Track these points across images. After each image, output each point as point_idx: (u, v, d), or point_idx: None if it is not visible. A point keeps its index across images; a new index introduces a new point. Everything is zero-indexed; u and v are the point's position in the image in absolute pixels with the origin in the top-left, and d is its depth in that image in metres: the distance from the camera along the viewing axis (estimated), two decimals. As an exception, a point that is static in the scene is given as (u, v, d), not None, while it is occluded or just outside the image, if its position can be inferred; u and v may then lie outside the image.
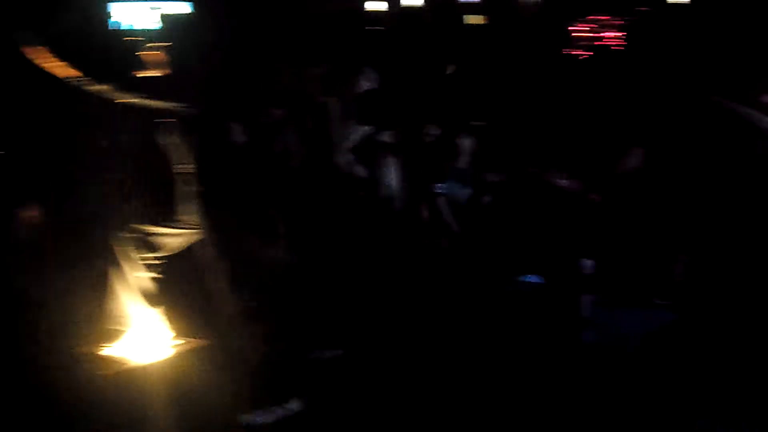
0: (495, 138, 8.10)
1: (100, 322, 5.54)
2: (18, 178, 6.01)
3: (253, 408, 5.64)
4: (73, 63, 5.37)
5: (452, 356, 6.22)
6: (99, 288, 5.59)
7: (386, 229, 7.26)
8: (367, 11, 11.43)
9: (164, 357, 5.32)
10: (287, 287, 6.33)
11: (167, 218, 5.63)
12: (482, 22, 11.33)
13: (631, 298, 5.98)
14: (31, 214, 5.63)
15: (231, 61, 7.83)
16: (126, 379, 5.09)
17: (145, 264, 5.51)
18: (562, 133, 7.45)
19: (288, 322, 6.08)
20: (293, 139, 7.10)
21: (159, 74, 5.70)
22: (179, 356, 5.33)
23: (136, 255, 5.49)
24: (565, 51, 11.17)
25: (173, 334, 5.52)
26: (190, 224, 5.68)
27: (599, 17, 11.31)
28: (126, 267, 5.48)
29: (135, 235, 5.51)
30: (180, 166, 5.67)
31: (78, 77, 5.40)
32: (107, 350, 5.39)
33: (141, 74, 5.69)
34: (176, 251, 5.67)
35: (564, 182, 7.01)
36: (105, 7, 9.70)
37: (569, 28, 11.35)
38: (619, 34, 10.99)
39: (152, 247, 5.55)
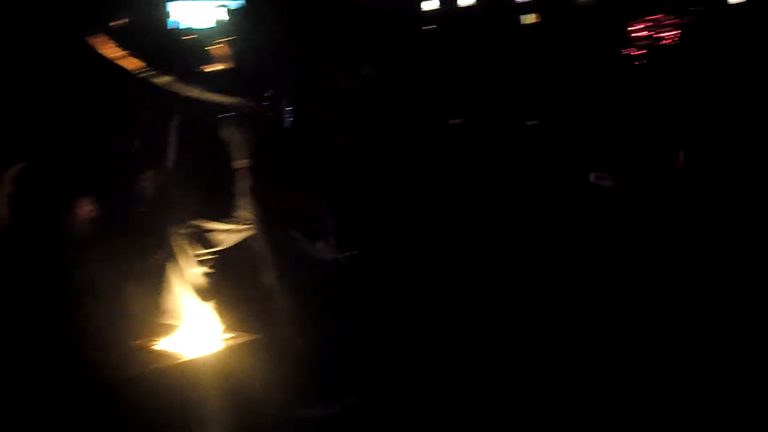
0: (549, 137, 8.07)
1: (154, 316, 5.62)
2: (74, 172, 6.08)
3: (306, 403, 5.66)
4: (139, 56, 5.46)
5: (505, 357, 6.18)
6: (153, 282, 5.66)
7: (438, 225, 7.24)
8: (423, 11, 11.42)
9: (216, 351, 5.38)
10: (340, 282, 6.34)
11: (224, 213, 5.67)
12: (537, 21, 11.28)
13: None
14: (88, 208, 5.69)
15: (286, 59, 7.86)
16: (179, 372, 5.15)
17: (199, 259, 5.57)
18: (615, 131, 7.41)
19: (342, 318, 6.09)
20: (344, 135, 7.10)
21: (221, 68, 5.75)
22: (232, 350, 5.39)
23: (191, 250, 5.55)
24: (622, 50, 11.08)
25: (226, 328, 5.58)
26: (245, 219, 5.72)
27: (655, 16, 11.19)
28: (182, 261, 5.55)
29: (191, 230, 5.57)
30: (237, 161, 5.71)
31: (144, 69, 5.47)
32: (161, 344, 5.48)
33: (205, 68, 5.75)
34: (231, 246, 5.72)
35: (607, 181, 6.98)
36: (164, 7, 9.82)
37: (625, 27, 11.26)
38: (675, 33, 10.87)
39: (207, 243, 5.61)
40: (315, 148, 6.79)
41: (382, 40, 9.16)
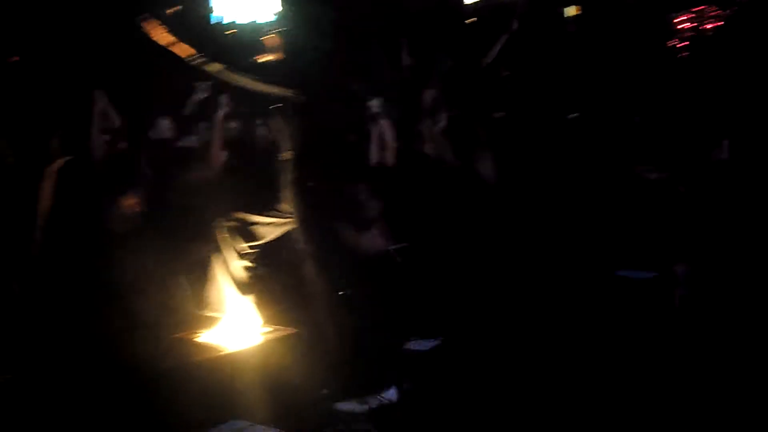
0: (591, 131, 8.01)
1: (196, 309, 5.65)
2: (118, 166, 6.13)
3: (348, 397, 5.66)
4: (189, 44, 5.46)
5: (549, 350, 6.13)
6: (196, 275, 5.69)
7: (484, 217, 7.18)
8: (466, 4, 11.37)
9: (257, 344, 5.39)
10: (383, 276, 6.31)
11: (268, 207, 5.68)
12: (579, 12, 11.19)
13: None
14: (131, 202, 5.73)
15: (330, 53, 7.86)
16: (220, 365, 5.17)
17: (243, 252, 5.59)
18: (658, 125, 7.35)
19: (384, 312, 6.07)
20: (388, 128, 7.07)
21: (271, 59, 5.75)
22: (272, 343, 5.40)
23: (235, 243, 5.56)
24: (666, 42, 11.00)
25: (267, 321, 5.60)
26: (288, 213, 5.72)
27: (698, 8, 11.10)
28: (225, 254, 5.57)
29: (235, 223, 5.59)
30: (283, 153, 5.71)
31: (195, 56, 5.48)
32: (202, 336, 5.51)
33: (256, 59, 5.74)
34: (274, 240, 5.74)
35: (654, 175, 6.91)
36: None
37: (670, 18, 11.19)
38: (719, 24, 10.78)
39: (251, 236, 5.62)
40: (356, 139, 6.77)
41: (424, 32, 9.14)
